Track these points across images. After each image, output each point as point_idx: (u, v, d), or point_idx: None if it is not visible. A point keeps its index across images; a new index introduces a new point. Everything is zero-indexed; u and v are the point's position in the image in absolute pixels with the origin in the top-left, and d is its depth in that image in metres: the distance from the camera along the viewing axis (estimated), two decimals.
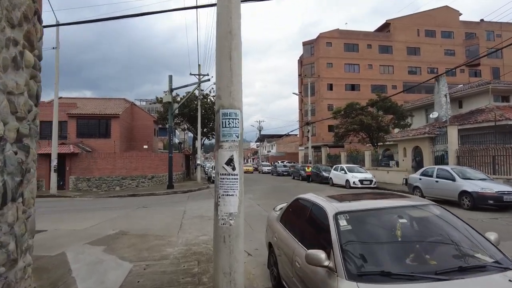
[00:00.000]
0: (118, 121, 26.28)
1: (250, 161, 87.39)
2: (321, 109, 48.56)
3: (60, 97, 30.62)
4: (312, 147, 36.42)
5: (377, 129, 29.25)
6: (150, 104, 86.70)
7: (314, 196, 4.02)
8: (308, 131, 36.10)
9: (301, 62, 56.35)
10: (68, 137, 24.82)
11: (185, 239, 7.41)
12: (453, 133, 17.75)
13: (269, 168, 47.70)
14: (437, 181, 13.14)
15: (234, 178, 3.25)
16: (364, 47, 51.56)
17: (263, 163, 55.58)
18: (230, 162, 3.26)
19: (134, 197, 18.47)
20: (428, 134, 19.63)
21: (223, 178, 3.25)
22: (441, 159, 18.77)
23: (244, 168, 5.31)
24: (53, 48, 20.14)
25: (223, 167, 3.26)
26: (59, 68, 19.96)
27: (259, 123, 65.80)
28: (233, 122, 3.30)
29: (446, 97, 22.99)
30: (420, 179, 14.26)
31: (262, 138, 73.26)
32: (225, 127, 3.29)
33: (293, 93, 47.25)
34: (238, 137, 3.32)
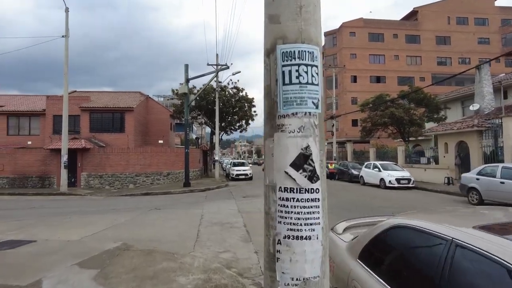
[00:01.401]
0: (133, 115, 24.95)
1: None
2: (344, 102, 46.05)
3: (74, 91, 29.73)
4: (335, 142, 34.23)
5: (409, 123, 26.81)
6: (168, 100, 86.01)
7: (440, 224, 2.08)
8: (333, 125, 33.87)
9: (322, 53, 53.73)
10: (80, 132, 23.66)
11: (203, 259, 5.67)
12: (510, 126, 15.31)
13: None
14: (502, 182, 10.91)
15: (312, 199, 1.41)
16: (389, 37, 48.55)
17: None
18: (303, 161, 1.42)
19: (147, 196, 17.03)
20: (478, 127, 17.13)
21: (287, 199, 1.40)
22: (492, 156, 16.37)
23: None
24: (62, 36, 18.87)
25: (285, 172, 1.41)
26: (68, 59, 18.62)
27: None
28: (307, 72, 1.46)
29: (500, 85, 20.58)
30: (477, 179, 12.01)
31: None
32: (289, 83, 1.45)
33: None
34: (317, 108, 1.48)
